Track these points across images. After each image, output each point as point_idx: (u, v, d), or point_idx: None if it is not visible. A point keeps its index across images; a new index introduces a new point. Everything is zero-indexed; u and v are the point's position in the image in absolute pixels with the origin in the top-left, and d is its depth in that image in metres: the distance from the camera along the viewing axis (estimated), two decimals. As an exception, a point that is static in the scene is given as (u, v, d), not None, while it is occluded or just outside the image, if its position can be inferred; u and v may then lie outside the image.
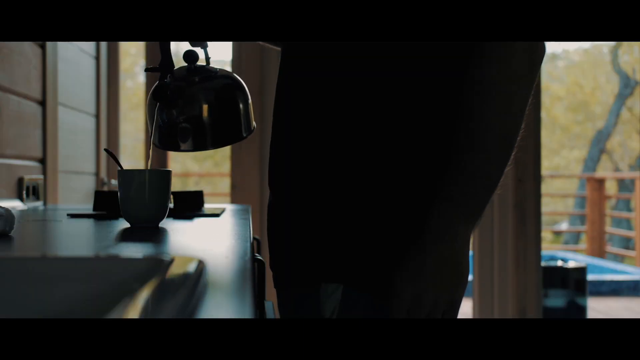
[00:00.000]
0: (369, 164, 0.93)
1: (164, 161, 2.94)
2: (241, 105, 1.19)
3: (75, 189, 2.45)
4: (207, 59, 1.22)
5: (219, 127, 1.17)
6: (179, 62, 1.20)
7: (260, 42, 1.25)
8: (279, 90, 1.03)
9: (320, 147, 0.96)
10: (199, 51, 1.21)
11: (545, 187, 13.71)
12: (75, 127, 2.46)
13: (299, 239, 0.98)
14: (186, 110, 1.16)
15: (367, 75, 0.93)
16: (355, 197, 0.93)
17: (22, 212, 1.56)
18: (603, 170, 13.92)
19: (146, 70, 1.19)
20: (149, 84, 2.93)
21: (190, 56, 1.17)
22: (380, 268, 0.92)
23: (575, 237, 11.97)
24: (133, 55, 14.95)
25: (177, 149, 1.19)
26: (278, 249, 1.03)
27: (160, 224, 1.14)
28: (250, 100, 1.22)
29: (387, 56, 0.92)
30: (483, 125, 0.87)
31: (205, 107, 1.16)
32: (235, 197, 2.86)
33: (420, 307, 0.87)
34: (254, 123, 1.23)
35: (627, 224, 11.29)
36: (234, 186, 2.87)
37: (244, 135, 1.21)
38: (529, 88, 0.88)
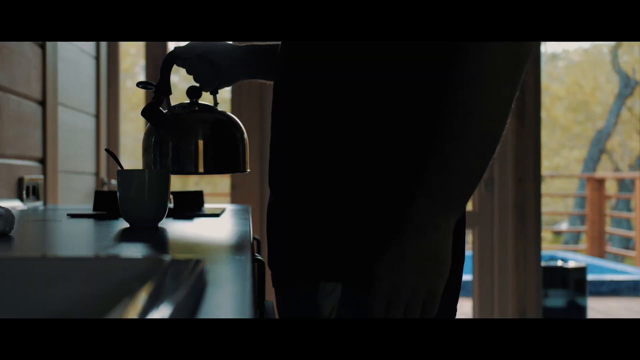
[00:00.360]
0: (362, 161, 0.93)
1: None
2: (237, 140, 1.18)
3: (75, 189, 2.45)
4: (215, 104, 1.21)
5: (211, 154, 1.16)
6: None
7: (256, 80, 1.25)
8: (278, 91, 1.04)
9: (317, 146, 0.96)
10: (209, 97, 1.21)
11: (545, 187, 13.71)
12: (75, 127, 2.46)
13: (297, 238, 0.98)
14: (180, 133, 1.15)
15: (359, 74, 0.94)
16: (350, 195, 0.93)
17: (22, 212, 1.56)
18: (603, 170, 13.92)
19: (138, 84, 1.18)
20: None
21: (193, 91, 1.18)
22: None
23: (575, 237, 11.97)
24: (133, 55, 14.94)
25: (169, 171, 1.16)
26: (277, 248, 1.03)
27: (160, 224, 1.14)
28: (247, 141, 1.21)
29: (378, 56, 0.93)
30: (465, 118, 0.86)
31: (199, 133, 1.15)
32: (235, 197, 2.86)
33: (399, 297, 0.87)
34: (248, 168, 1.21)
35: (627, 224, 11.29)
36: (234, 186, 2.87)
37: (240, 169, 1.19)
38: (514, 83, 0.87)
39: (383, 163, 0.93)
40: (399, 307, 0.88)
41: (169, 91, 1.15)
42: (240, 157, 1.19)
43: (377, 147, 0.93)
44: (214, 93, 1.20)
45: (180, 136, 1.15)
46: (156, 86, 1.14)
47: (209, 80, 1.18)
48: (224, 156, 1.18)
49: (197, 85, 1.19)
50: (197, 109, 1.17)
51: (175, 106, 1.17)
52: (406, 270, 0.87)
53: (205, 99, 1.22)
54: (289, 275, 1.01)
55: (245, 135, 1.21)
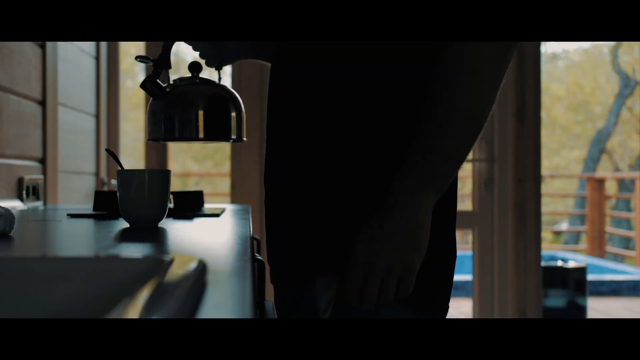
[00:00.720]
0: (354, 156, 0.95)
1: (163, 161, 2.95)
2: (233, 114, 1.27)
3: (75, 189, 2.45)
4: (219, 79, 1.29)
5: (210, 122, 1.25)
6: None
7: (255, 60, 1.30)
8: (274, 90, 1.06)
9: (311, 142, 0.98)
10: (212, 75, 1.29)
11: (545, 187, 13.70)
12: (75, 127, 2.46)
13: (292, 233, 0.99)
14: (181, 103, 1.24)
15: (351, 72, 0.96)
16: (341, 189, 0.95)
17: (22, 212, 1.56)
18: (603, 170, 13.92)
19: (137, 58, 1.25)
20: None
21: (194, 66, 1.27)
22: None
23: (575, 237, 11.97)
24: (133, 55, 14.92)
25: (168, 138, 1.24)
26: (274, 244, 1.05)
27: (160, 224, 1.14)
28: (244, 113, 1.29)
29: (370, 56, 0.95)
30: (450, 106, 0.88)
31: (199, 103, 1.24)
32: (235, 197, 2.86)
33: (374, 272, 0.88)
34: (245, 137, 1.30)
35: (627, 224, 11.29)
36: (234, 186, 2.87)
37: (233, 137, 1.28)
38: (498, 69, 0.89)
39: (375, 156, 0.94)
40: (374, 283, 0.88)
41: (168, 65, 1.22)
42: (237, 126, 1.28)
43: (368, 141, 0.95)
44: (218, 69, 1.26)
45: (181, 106, 1.23)
46: (155, 60, 1.21)
47: (212, 57, 1.23)
48: (222, 125, 1.26)
49: (198, 61, 1.26)
50: (197, 81, 1.26)
51: (177, 79, 1.26)
52: (382, 246, 0.88)
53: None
54: (286, 271, 1.02)
55: (243, 108, 1.30)
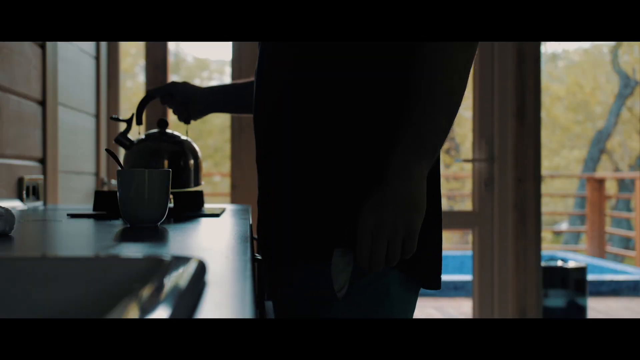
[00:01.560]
0: (348, 136, 1.07)
1: (164, 161, 2.94)
2: (191, 162, 1.51)
3: (75, 189, 2.45)
4: (186, 132, 1.56)
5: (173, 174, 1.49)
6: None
7: (236, 114, 1.53)
8: (265, 84, 1.13)
9: (308, 133, 1.07)
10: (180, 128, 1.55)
11: (545, 187, 13.69)
12: (75, 127, 2.46)
13: (301, 217, 1.08)
14: (143, 156, 1.47)
15: (347, 68, 1.08)
16: (340, 170, 1.06)
17: (22, 212, 1.56)
18: (603, 170, 13.91)
19: (111, 118, 1.52)
20: (149, 84, 2.94)
21: (160, 123, 1.52)
22: None
23: (575, 237, 11.97)
24: (133, 55, 14.92)
25: None
26: (274, 228, 1.12)
27: (160, 224, 1.15)
28: (200, 163, 1.54)
29: (364, 55, 1.07)
30: (431, 82, 1.01)
31: (160, 156, 1.48)
32: (235, 197, 2.86)
33: (382, 231, 0.99)
34: (202, 182, 1.55)
35: (627, 224, 11.29)
36: (234, 186, 2.87)
37: (192, 185, 1.51)
38: (468, 52, 1.03)
39: (371, 135, 1.06)
40: (382, 243, 0.99)
41: (139, 122, 1.48)
42: (193, 176, 1.52)
43: (364, 123, 1.06)
44: (187, 123, 1.50)
45: (144, 159, 1.47)
46: (126, 120, 1.48)
47: (180, 113, 1.49)
48: (179, 176, 1.48)
49: (165, 119, 1.51)
50: (163, 137, 1.50)
51: (147, 134, 1.51)
52: (387, 212, 0.99)
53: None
54: (299, 253, 1.08)
55: (199, 157, 1.54)
